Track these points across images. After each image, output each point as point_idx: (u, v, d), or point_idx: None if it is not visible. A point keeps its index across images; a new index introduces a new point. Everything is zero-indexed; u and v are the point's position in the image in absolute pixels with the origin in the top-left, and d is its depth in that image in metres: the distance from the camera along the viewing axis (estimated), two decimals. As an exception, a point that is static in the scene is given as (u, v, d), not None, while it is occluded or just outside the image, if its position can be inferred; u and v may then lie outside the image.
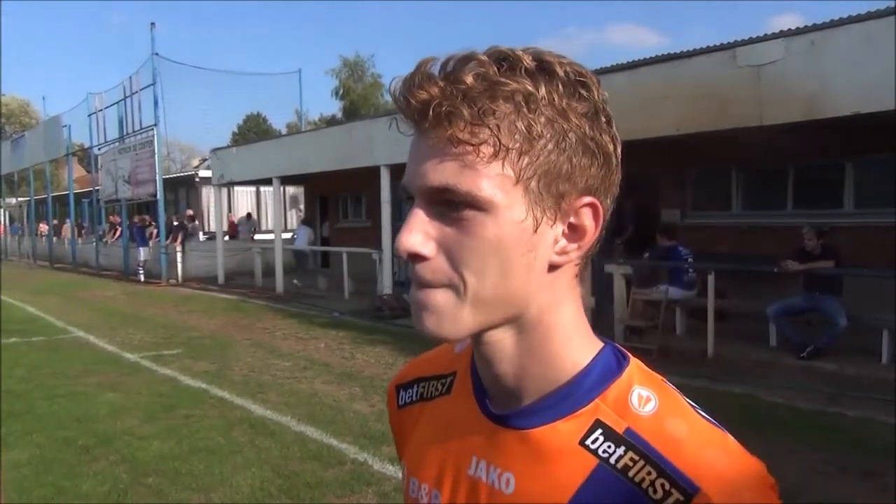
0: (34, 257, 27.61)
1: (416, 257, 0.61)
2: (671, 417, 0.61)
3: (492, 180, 0.58)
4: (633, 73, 8.10)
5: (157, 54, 17.60)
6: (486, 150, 0.58)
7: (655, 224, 9.45)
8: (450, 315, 0.61)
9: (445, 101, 0.57)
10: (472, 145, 0.58)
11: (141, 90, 18.34)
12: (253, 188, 23.55)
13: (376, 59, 48.44)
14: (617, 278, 8.30)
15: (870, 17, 6.17)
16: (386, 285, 12.22)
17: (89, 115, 21.91)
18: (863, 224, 8.32)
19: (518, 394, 0.66)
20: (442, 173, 0.59)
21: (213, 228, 20.08)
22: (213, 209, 19.21)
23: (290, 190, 22.75)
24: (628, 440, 0.60)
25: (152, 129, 17.83)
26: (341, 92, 46.04)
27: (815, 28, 6.60)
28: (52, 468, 4.54)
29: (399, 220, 14.06)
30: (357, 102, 44.62)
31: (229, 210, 22.64)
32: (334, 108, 48.17)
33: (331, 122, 39.21)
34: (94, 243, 22.81)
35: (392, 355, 7.85)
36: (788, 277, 7.22)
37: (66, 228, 27.76)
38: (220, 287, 16.19)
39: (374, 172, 12.17)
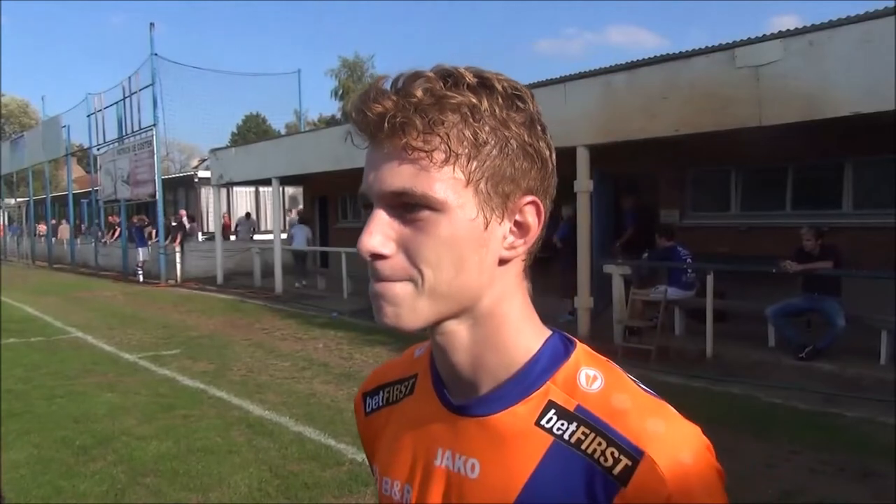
0: (33, 258, 27.59)
1: (377, 256, 0.66)
2: (616, 392, 0.67)
3: (444, 183, 0.64)
4: (632, 74, 8.10)
5: (156, 54, 17.59)
6: (438, 155, 0.63)
7: (655, 225, 9.47)
8: (408, 306, 0.66)
9: (399, 112, 0.63)
10: (425, 152, 0.63)
11: (140, 90, 18.34)
12: (252, 188, 23.55)
13: (376, 59, 48.39)
14: (616, 279, 8.29)
15: (868, 17, 6.17)
16: (385, 286, 12.19)
17: (88, 116, 21.90)
18: (862, 225, 8.31)
19: (475, 383, 0.70)
20: (399, 178, 0.64)
21: (212, 229, 20.07)
22: (213, 209, 19.19)
23: (290, 190, 22.75)
24: (579, 416, 0.66)
25: (151, 130, 17.82)
26: (340, 92, 46.06)
27: (814, 28, 6.60)
28: (49, 468, 4.53)
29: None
30: (356, 103, 44.60)
31: (227, 210, 22.64)
32: (333, 108, 48.17)
33: (330, 122, 39.19)
34: (94, 244, 22.80)
35: (390, 355, 7.74)
36: (787, 278, 7.22)
37: (64, 229, 27.75)
38: (218, 287, 16.18)
39: (373, 173, 12.14)
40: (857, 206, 8.64)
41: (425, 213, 0.64)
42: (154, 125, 17.70)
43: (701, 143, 8.12)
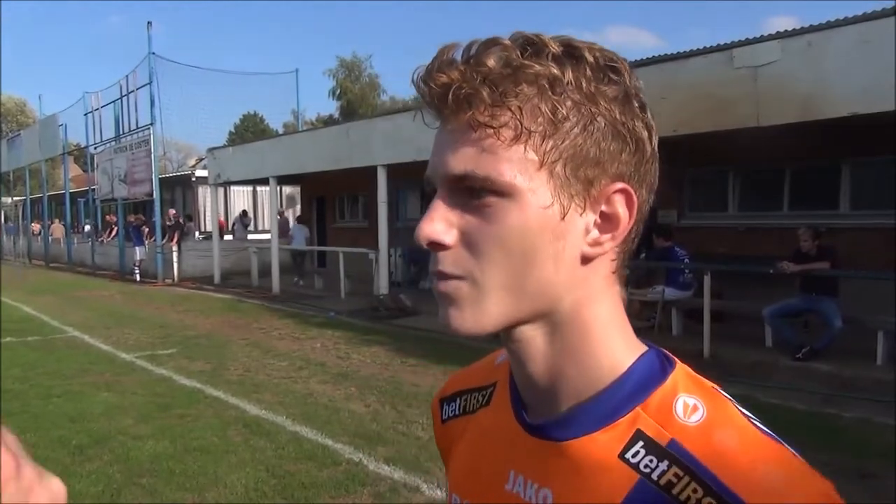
0: (30, 257, 27.54)
1: (437, 246, 0.58)
2: (721, 428, 0.56)
3: (513, 164, 0.56)
4: (630, 74, 8.10)
5: (153, 53, 17.55)
6: (507, 133, 0.56)
7: (652, 225, 9.46)
8: (471, 308, 0.58)
9: (465, 83, 0.56)
10: (492, 128, 0.56)
11: (138, 89, 18.29)
12: (250, 188, 23.52)
13: (373, 59, 48.46)
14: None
15: (866, 18, 6.19)
16: (382, 285, 12.21)
17: (86, 115, 21.86)
18: (859, 225, 8.33)
19: (554, 400, 0.62)
20: (461, 159, 0.57)
21: (209, 228, 20.04)
22: (210, 209, 19.17)
23: (287, 190, 22.74)
24: (672, 454, 0.55)
25: (149, 129, 17.79)
26: (338, 92, 46.05)
27: (812, 29, 6.61)
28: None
29: (396, 221, 14.08)
30: (354, 102, 44.64)
31: (225, 210, 22.61)
32: (331, 108, 48.17)
33: (328, 122, 39.16)
34: (90, 243, 22.75)
35: (388, 356, 7.83)
36: (785, 278, 7.23)
37: (57, 228, 27.69)
38: (216, 287, 16.16)
39: (371, 172, 12.15)
40: (855, 206, 8.65)
41: (491, 199, 0.56)
42: (151, 124, 17.66)
43: (699, 143, 8.12)
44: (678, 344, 7.92)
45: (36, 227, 29.91)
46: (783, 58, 6.54)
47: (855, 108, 6.07)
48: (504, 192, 0.56)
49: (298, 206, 21.22)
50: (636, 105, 0.59)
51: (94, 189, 22.49)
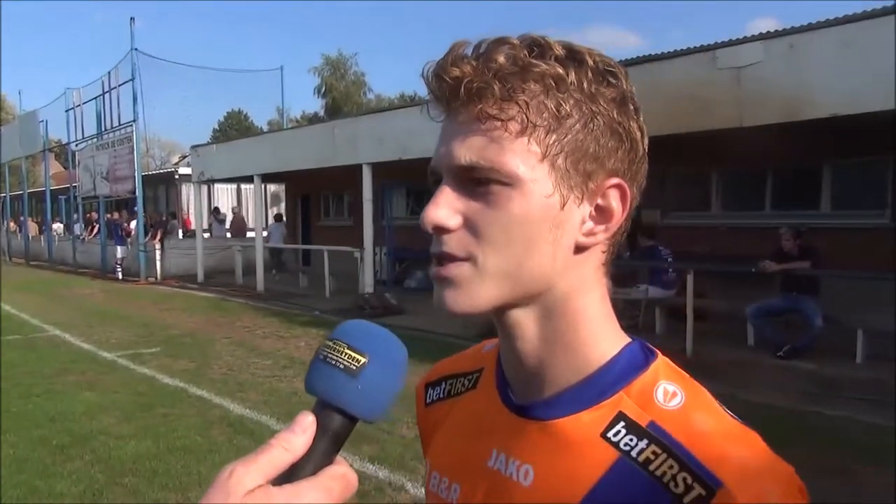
0: (9, 254, 27.18)
1: (441, 230, 0.61)
2: (697, 412, 0.60)
3: (517, 155, 0.59)
4: (614, 74, 8.14)
5: (136, 49, 17.39)
6: (514, 126, 0.59)
7: (636, 224, 9.51)
8: (467, 287, 0.61)
9: (477, 77, 0.59)
10: (501, 121, 0.59)
11: (120, 86, 18.10)
12: (234, 186, 23.38)
13: (359, 57, 48.30)
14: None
15: (847, 20, 6.26)
16: (368, 284, 12.18)
17: (67, 111, 21.59)
18: (839, 225, 8.43)
19: (541, 383, 0.65)
20: (469, 150, 0.60)
21: (193, 226, 19.88)
22: (194, 207, 19.04)
23: (272, 188, 22.62)
24: (651, 433, 0.59)
25: (131, 126, 17.62)
26: (324, 90, 45.87)
27: (794, 31, 6.68)
28: (25, 468, 4.47)
29: (381, 220, 14.05)
30: (339, 100, 44.50)
31: (209, 207, 22.45)
32: (316, 105, 47.98)
33: (313, 119, 39.01)
34: (71, 241, 22.50)
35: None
36: (766, 278, 7.30)
37: (32, 226, 27.36)
38: (199, 285, 16.04)
39: (356, 171, 12.12)
40: (836, 207, 8.76)
41: (496, 188, 0.60)
42: (134, 121, 17.50)
43: (682, 143, 8.19)
44: (661, 342, 7.91)
45: (12, 224, 29.50)
46: (766, 59, 6.60)
47: (836, 109, 6.14)
48: (508, 181, 0.59)
49: (283, 205, 21.14)
50: (631, 108, 0.63)
51: (75, 186, 22.24)
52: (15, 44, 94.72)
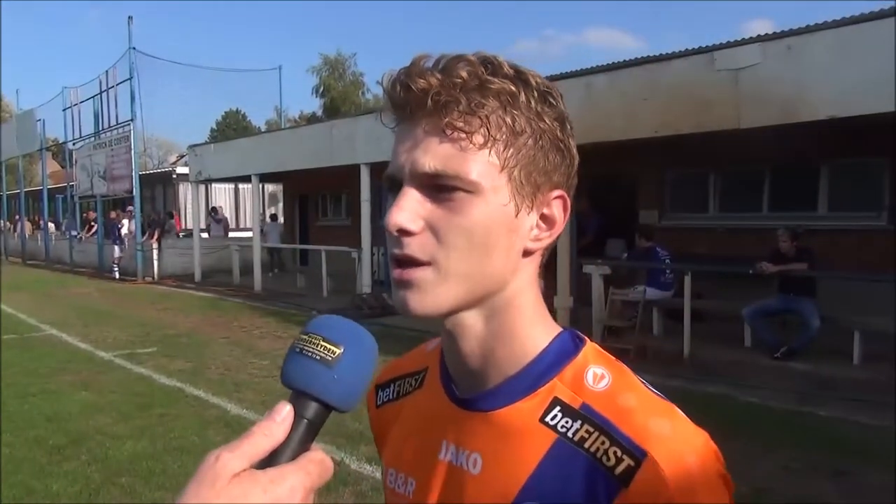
0: (6, 254, 27.12)
1: (404, 232, 0.64)
2: (623, 392, 0.65)
3: (481, 166, 0.64)
4: (613, 76, 8.16)
5: (134, 48, 17.36)
6: (477, 139, 0.63)
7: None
8: (431, 291, 0.65)
9: (443, 90, 0.63)
10: (466, 133, 0.63)
11: (117, 84, 18.07)
12: (231, 185, 23.35)
13: (358, 58, 48.27)
14: (595, 278, 8.35)
15: (845, 23, 6.27)
16: (365, 284, 12.18)
17: (64, 110, 21.54)
18: (836, 227, 8.45)
19: (483, 377, 0.70)
20: (435, 158, 0.64)
21: (190, 225, 19.86)
22: (191, 206, 19.01)
23: (270, 187, 22.60)
24: (584, 414, 0.65)
25: (129, 125, 17.59)
26: (322, 90, 45.82)
27: (792, 33, 6.69)
28: (21, 468, 4.46)
29: (380, 219, 14.00)
30: (338, 100, 44.43)
31: (206, 207, 22.41)
32: (315, 105, 47.92)
33: (311, 119, 38.98)
34: (68, 240, 22.46)
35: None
36: (763, 279, 7.31)
37: (26, 225, 27.32)
38: (196, 285, 16.02)
39: (354, 171, 12.12)
40: (833, 208, 8.78)
41: (459, 195, 0.64)
42: (132, 120, 17.47)
43: (680, 144, 8.20)
44: (659, 343, 7.99)
45: (7, 223, 29.45)
46: (764, 61, 6.61)
47: (834, 111, 6.16)
48: (471, 189, 0.64)
49: (281, 204, 21.12)
50: (569, 127, 0.69)
51: (72, 185, 22.19)
52: (12, 42, 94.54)
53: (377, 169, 11.89)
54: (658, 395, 0.66)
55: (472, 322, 0.68)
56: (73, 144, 21.68)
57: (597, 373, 0.67)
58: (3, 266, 23.74)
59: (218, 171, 16.63)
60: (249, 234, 18.57)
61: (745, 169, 9.46)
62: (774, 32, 7.04)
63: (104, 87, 18.78)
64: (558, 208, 0.68)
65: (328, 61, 45.98)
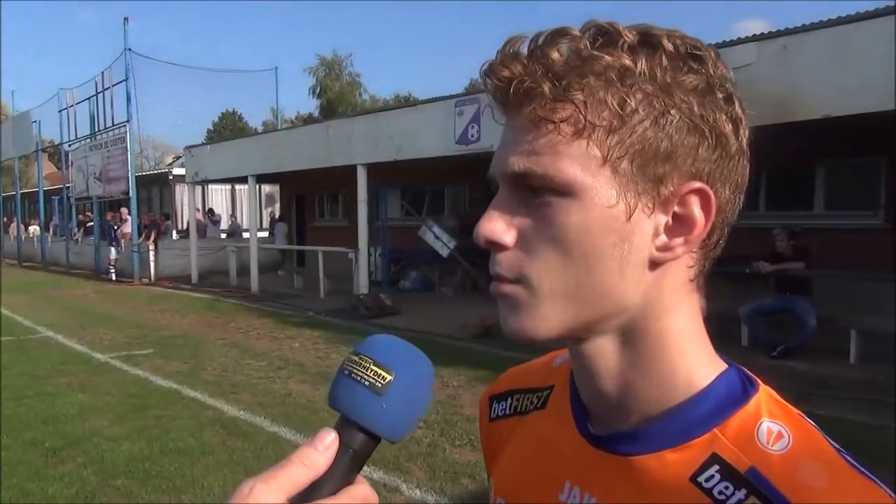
0: (1, 255, 27.04)
1: (496, 246, 0.56)
2: (809, 461, 0.51)
3: (573, 161, 0.52)
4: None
5: (130, 50, 17.33)
6: (567, 128, 0.52)
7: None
8: (528, 314, 0.55)
9: (527, 77, 0.53)
10: (553, 122, 0.53)
11: (113, 86, 18.05)
12: (228, 186, 23.32)
13: (354, 58, 48.25)
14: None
15: (839, 22, 6.29)
16: (362, 285, 12.17)
17: (60, 111, 21.52)
18: (833, 226, 8.47)
19: (622, 413, 0.58)
20: (521, 156, 0.54)
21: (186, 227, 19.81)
22: (188, 207, 18.98)
23: (266, 188, 22.58)
24: (751, 482, 0.51)
25: (125, 126, 17.56)
26: (318, 90, 45.81)
27: (787, 32, 6.71)
28: (16, 470, 4.44)
29: (376, 220, 14.03)
30: (334, 101, 44.43)
31: (203, 208, 22.38)
32: (311, 106, 47.90)
33: (308, 120, 38.95)
34: (65, 241, 22.40)
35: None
36: (760, 278, 7.32)
37: (13, 227, 27.29)
38: (193, 286, 15.99)
39: (351, 171, 12.11)
40: (829, 207, 8.80)
41: (551, 199, 0.53)
42: (128, 121, 17.44)
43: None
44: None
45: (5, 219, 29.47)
46: (759, 60, 6.62)
47: (829, 110, 6.17)
48: (564, 190, 0.53)
49: (278, 205, 21.09)
50: (720, 96, 0.54)
51: (68, 187, 22.15)
52: (8, 43, 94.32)
53: (374, 169, 11.90)
54: (858, 469, 0.51)
55: (602, 351, 0.57)
56: (69, 146, 21.65)
57: (772, 429, 0.53)
58: (2, 268, 23.69)
59: (214, 172, 16.61)
60: (263, 234, 18.92)
61: (742, 168, 9.47)
62: (770, 32, 7.06)
63: (100, 89, 18.77)
64: (695, 205, 0.54)
65: (325, 62, 45.99)
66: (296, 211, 18.61)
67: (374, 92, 48.41)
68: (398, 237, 13.88)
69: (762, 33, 7.09)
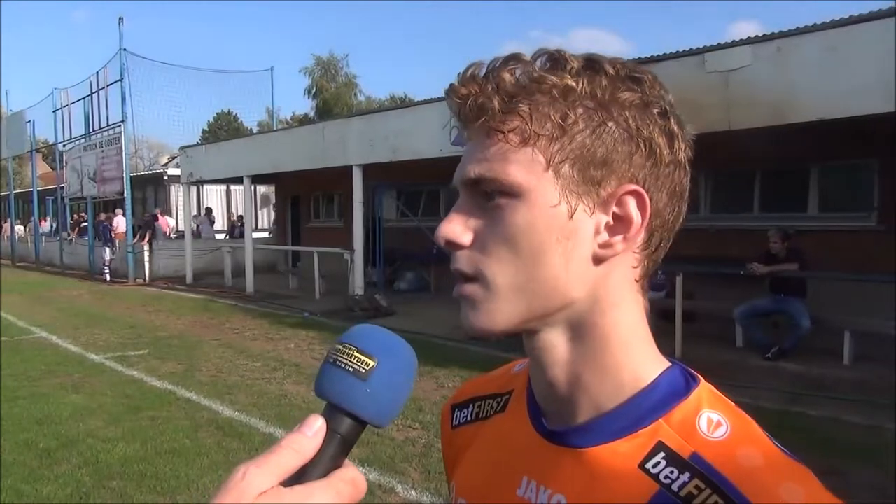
0: (-3, 255, 26.96)
1: (453, 245, 0.61)
2: (745, 446, 0.56)
3: (520, 165, 0.58)
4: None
5: (124, 49, 17.29)
6: (515, 137, 0.58)
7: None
8: (483, 307, 0.60)
9: (481, 94, 0.59)
10: (503, 132, 0.59)
11: (108, 86, 17.99)
12: (223, 187, 23.28)
13: (350, 59, 48.19)
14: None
15: (834, 25, 6.31)
16: (357, 286, 12.16)
17: (54, 111, 21.44)
18: (827, 227, 8.50)
19: (573, 408, 0.62)
20: (476, 164, 0.60)
21: (182, 227, 19.78)
22: (182, 208, 18.94)
23: (262, 189, 22.55)
24: (694, 466, 0.55)
25: (120, 126, 17.51)
26: (314, 91, 45.75)
27: (782, 35, 6.73)
28: (11, 472, 4.43)
29: (373, 221, 14.03)
30: (330, 101, 44.37)
31: (198, 208, 22.33)
32: (307, 106, 47.84)
33: (303, 120, 38.89)
34: (59, 242, 22.32)
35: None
36: (754, 279, 7.35)
37: (6, 227, 27.21)
38: (188, 287, 15.96)
39: (346, 172, 12.10)
40: (823, 209, 8.83)
41: (501, 200, 0.59)
42: (122, 121, 17.39)
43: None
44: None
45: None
46: (754, 63, 6.64)
47: (823, 112, 6.20)
48: (512, 192, 0.58)
49: (272, 206, 21.05)
50: (655, 111, 0.60)
51: (62, 187, 22.07)
52: (3, 43, 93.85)
53: (369, 170, 11.89)
54: (787, 453, 0.56)
55: (553, 343, 0.62)
56: (64, 146, 21.57)
57: (712, 418, 0.58)
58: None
59: (210, 172, 16.57)
60: (265, 234, 18.88)
61: (736, 170, 9.50)
62: (764, 34, 7.08)
63: (95, 89, 18.70)
64: (632, 206, 0.58)
65: (320, 62, 45.94)
66: (291, 211, 18.58)
67: (369, 93, 48.40)
68: (394, 238, 13.87)
69: (757, 36, 7.12)
